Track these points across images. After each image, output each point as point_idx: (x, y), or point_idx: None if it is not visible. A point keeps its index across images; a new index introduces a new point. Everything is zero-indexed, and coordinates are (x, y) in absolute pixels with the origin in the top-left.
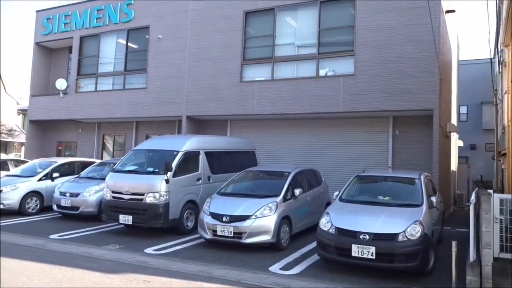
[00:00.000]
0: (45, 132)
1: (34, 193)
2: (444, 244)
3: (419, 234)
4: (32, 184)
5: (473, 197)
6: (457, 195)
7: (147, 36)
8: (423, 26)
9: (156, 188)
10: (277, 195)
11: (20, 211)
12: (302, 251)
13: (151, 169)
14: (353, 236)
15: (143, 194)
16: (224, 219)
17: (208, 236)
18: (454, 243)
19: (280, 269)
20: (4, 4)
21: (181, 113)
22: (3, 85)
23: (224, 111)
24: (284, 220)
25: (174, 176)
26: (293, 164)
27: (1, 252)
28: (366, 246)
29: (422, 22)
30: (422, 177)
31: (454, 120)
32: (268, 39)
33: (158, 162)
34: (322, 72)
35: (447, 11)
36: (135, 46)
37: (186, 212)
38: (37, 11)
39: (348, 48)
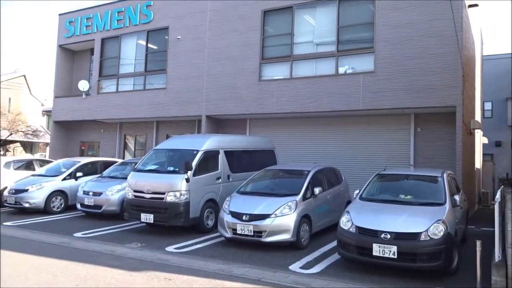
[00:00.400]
0: (69, 132)
1: (59, 192)
2: (469, 243)
3: (442, 233)
4: (57, 183)
5: (498, 195)
6: (481, 193)
7: (166, 37)
8: (445, 21)
9: (177, 187)
10: (297, 194)
11: (45, 209)
12: (322, 250)
13: (171, 168)
14: (374, 235)
15: (164, 193)
16: (244, 218)
17: (228, 234)
18: (478, 243)
19: (300, 268)
20: (27, 8)
21: (201, 112)
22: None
23: (243, 110)
24: (304, 218)
25: (194, 175)
26: (313, 162)
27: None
28: (387, 245)
29: (444, 17)
30: (445, 175)
31: (478, 117)
32: (286, 38)
33: (179, 162)
34: (341, 70)
35: (470, 6)
36: (154, 47)
37: (206, 210)
38: (59, 15)
39: (367, 45)
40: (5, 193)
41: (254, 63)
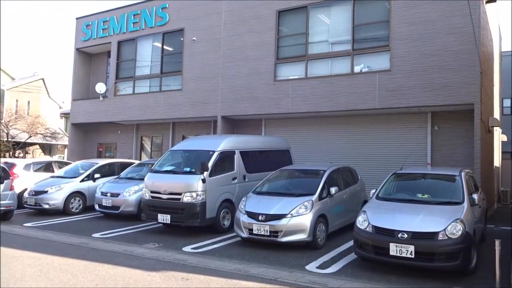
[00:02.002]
0: (87, 134)
1: (77, 194)
2: (488, 243)
3: (460, 232)
4: (75, 184)
5: None
6: (501, 192)
7: (181, 39)
8: (462, 17)
9: (193, 188)
10: (313, 194)
11: (64, 210)
12: (339, 249)
13: (188, 169)
14: (391, 234)
15: (180, 194)
16: (260, 218)
17: (245, 234)
18: (497, 242)
19: (317, 267)
20: (45, 11)
21: (216, 113)
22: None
23: (258, 110)
24: (320, 218)
25: (210, 175)
26: (329, 162)
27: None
28: (404, 245)
29: (461, 14)
30: (462, 174)
31: (497, 114)
32: (301, 37)
33: (195, 162)
34: (357, 69)
35: (488, 1)
36: (170, 49)
37: (223, 211)
38: (77, 18)
39: (383, 43)
40: (25, 194)
41: (269, 63)
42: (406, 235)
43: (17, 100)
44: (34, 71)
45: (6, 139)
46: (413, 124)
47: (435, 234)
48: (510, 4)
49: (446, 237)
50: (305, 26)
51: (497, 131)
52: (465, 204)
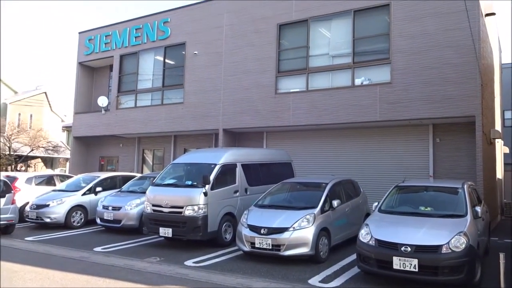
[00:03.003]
0: (88, 147)
1: (79, 207)
2: (492, 256)
3: (463, 245)
4: (77, 198)
5: None
6: (504, 204)
7: (183, 52)
8: (462, 30)
9: (195, 201)
10: (315, 207)
11: (66, 224)
12: (341, 263)
13: (189, 182)
14: (394, 248)
15: (182, 207)
16: (262, 231)
17: (247, 248)
18: (502, 255)
19: (320, 281)
20: (48, 25)
21: (218, 126)
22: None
23: (259, 123)
24: (323, 232)
25: (212, 189)
26: (331, 174)
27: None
28: (408, 259)
29: (461, 27)
30: (465, 186)
31: (498, 126)
32: (302, 51)
33: (196, 175)
34: (357, 81)
35: (487, 14)
36: (172, 62)
37: (224, 224)
38: (79, 33)
39: (383, 56)
40: (27, 208)
41: (270, 76)
42: (409, 249)
43: (19, 114)
44: (37, 85)
45: (8, 152)
46: (414, 136)
47: (438, 247)
48: (509, 17)
49: (450, 251)
50: (306, 39)
51: (498, 143)
52: (468, 217)
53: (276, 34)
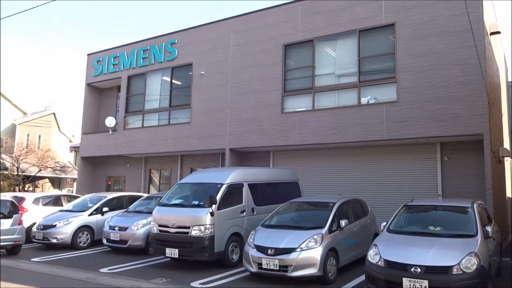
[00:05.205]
0: (96, 167)
1: (85, 228)
2: (504, 276)
3: (475, 266)
4: (84, 218)
5: None
6: None
7: (190, 73)
8: (467, 49)
9: (201, 221)
10: (322, 227)
11: (72, 245)
12: (350, 284)
13: (196, 202)
14: (403, 269)
15: (188, 227)
16: (269, 252)
17: (254, 269)
18: None
19: None
20: (57, 47)
21: (224, 145)
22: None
23: (266, 142)
24: (331, 252)
25: (218, 208)
26: (338, 194)
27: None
28: (418, 280)
29: (466, 46)
30: (475, 205)
31: (506, 144)
32: (308, 70)
33: (203, 195)
34: (364, 100)
35: (492, 33)
36: (179, 83)
37: (231, 245)
38: (88, 54)
39: (389, 75)
40: (34, 228)
41: (276, 95)
42: (419, 269)
43: (28, 134)
44: (46, 106)
45: (16, 173)
46: (422, 155)
47: (449, 268)
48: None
49: (461, 272)
50: (312, 59)
51: (508, 161)
52: (479, 236)
53: (282, 54)
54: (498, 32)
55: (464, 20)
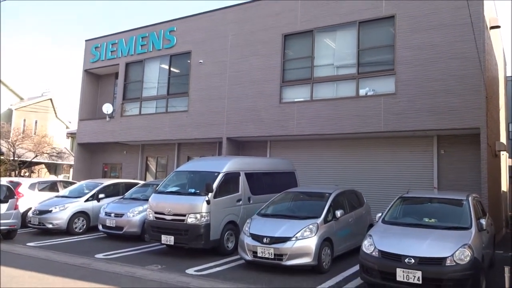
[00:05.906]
0: (92, 154)
1: (81, 213)
2: (496, 269)
3: (468, 258)
4: (79, 204)
5: None
6: (509, 216)
7: (188, 61)
8: (467, 43)
9: (198, 209)
10: (318, 217)
11: (68, 230)
12: (344, 274)
13: (192, 190)
14: (397, 259)
15: (184, 215)
16: (265, 240)
17: (249, 257)
18: (507, 269)
19: None
20: (55, 33)
21: (222, 134)
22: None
23: (263, 132)
24: (325, 242)
25: (215, 197)
26: (334, 185)
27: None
28: (411, 270)
29: (466, 39)
30: (470, 198)
31: (503, 138)
32: (307, 61)
33: (199, 183)
34: (362, 92)
35: (492, 27)
36: (177, 71)
37: (227, 233)
38: (86, 40)
39: (388, 67)
40: (29, 214)
41: (274, 85)
42: (413, 260)
43: (24, 120)
44: (42, 91)
45: (12, 158)
46: (419, 147)
47: (443, 259)
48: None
49: (454, 263)
50: (311, 49)
51: (504, 155)
52: (473, 229)
53: (281, 44)
54: (498, 27)
55: (464, 14)
